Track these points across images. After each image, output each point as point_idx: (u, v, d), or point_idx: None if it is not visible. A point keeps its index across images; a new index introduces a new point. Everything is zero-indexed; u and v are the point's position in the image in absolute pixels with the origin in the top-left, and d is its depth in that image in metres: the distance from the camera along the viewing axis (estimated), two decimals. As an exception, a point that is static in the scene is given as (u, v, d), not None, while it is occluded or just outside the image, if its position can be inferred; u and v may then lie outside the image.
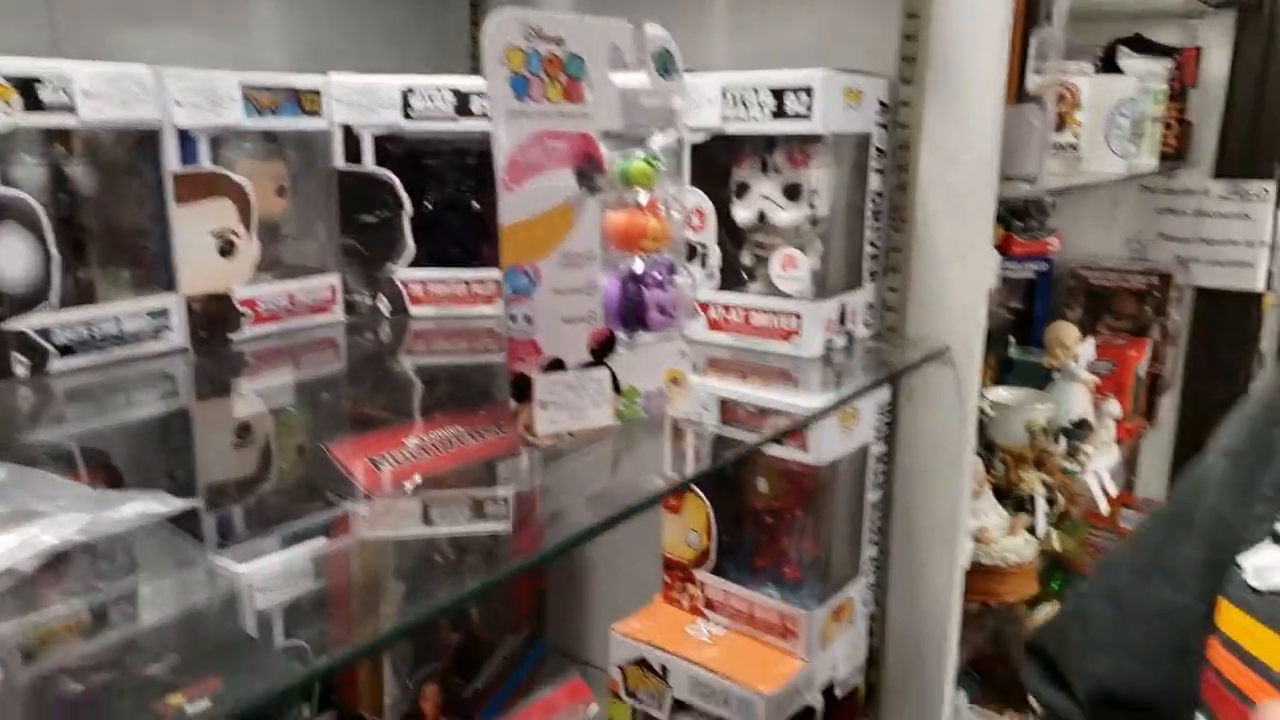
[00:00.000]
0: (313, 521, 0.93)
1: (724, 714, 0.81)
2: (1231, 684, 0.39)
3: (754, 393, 0.76)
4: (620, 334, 0.59)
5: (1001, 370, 1.71)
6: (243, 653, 0.82)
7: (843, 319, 0.81)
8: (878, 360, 0.83)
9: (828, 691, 0.87)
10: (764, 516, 0.87)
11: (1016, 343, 1.84)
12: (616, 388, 0.59)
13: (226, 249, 0.79)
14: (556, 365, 0.56)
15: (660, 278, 0.58)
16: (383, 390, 0.86)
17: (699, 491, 0.87)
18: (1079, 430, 1.48)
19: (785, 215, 0.78)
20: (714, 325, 0.84)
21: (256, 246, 0.81)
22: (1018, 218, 1.87)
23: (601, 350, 0.58)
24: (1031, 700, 0.55)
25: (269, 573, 0.89)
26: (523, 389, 0.55)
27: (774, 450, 0.80)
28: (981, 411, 1.34)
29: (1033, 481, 1.28)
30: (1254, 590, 0.40)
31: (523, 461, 0.59)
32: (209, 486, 0.70)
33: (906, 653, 0.93)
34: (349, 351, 0.91)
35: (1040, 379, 1.70)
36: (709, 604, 0.88)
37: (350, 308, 0.93)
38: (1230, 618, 0.40)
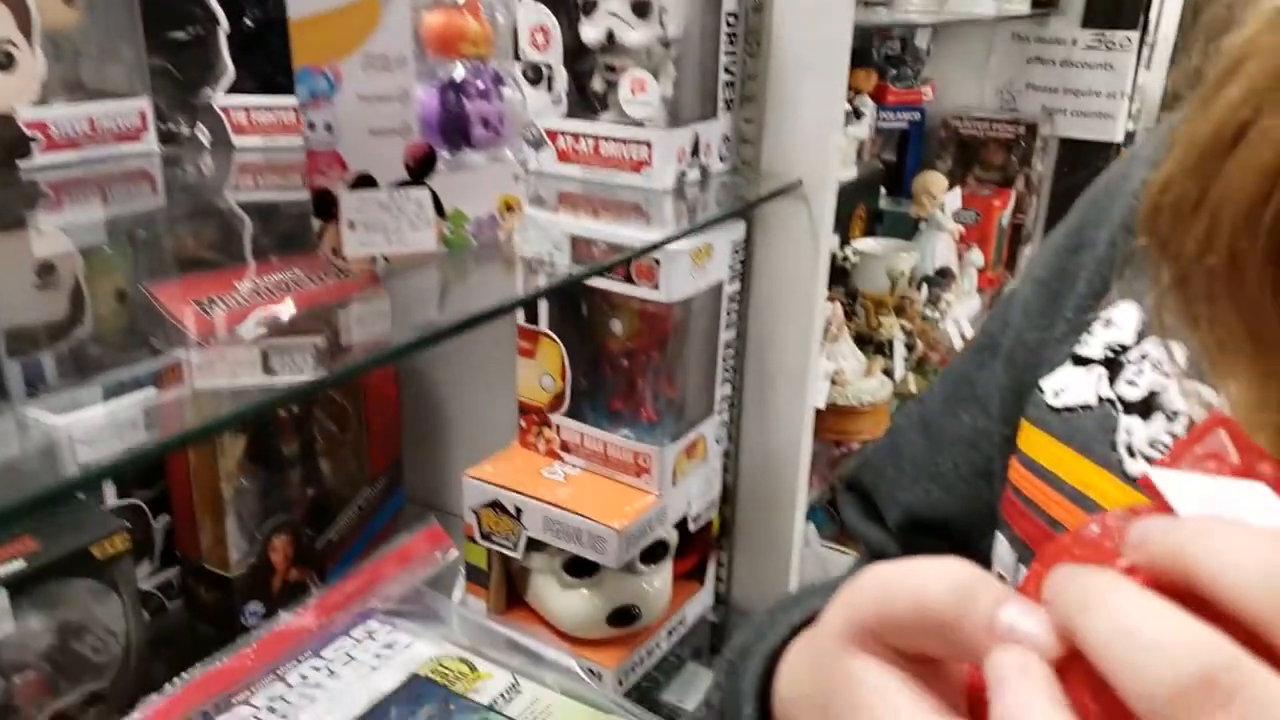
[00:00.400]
0: (139, 370, 0.87)
1: (578, 550, 0.81)
2: (1028, 499, 0.40)
3: (600, 226, 0.73)
4: (442, 151, 0.54)
5: (872, 221, 1.72)
6: (64, 510, 0.77)
7: (696, 150, 0.78)
8: (732, 195, 0.80)
9: (681, 526, 0.88)
10: (619, 359, 0.85)
11: (888, 194, 1.85)
12: (440, 211, 0.55)
13: (4, 62, 0.70)
14: (366, 182, 0.51)
15: (484, 88, 0.54)
16: (207, 228, 0.79)
17: (552, 334, 0.85)
18: (941, 279, 1.51)
19: (635, 35, 0.73)
20: (562, 156, 0.79)
21: (42, 62, 0.72)
22: (893, 66, 1.85)
23: (420, 168, 0.53)
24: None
25: (91, 425, 0.84)
26: (325, 206, 0.50)
27: (626, 289, 0.78)
28: (845, 259, 1.34)
29: (892, 327, 1.30)
30: (1051, 409, 0.40)
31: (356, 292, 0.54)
32: (10, 332, 0.64)
33: (759, 489, 0.95)
34: (167, 185, 0.83)
35: (909, 230, 1.72)
36: (565, 447, 0.87)
37: (167, 138, 0.85)
38: (1029, 437, 0.40)
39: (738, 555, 0.98)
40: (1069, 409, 0.39)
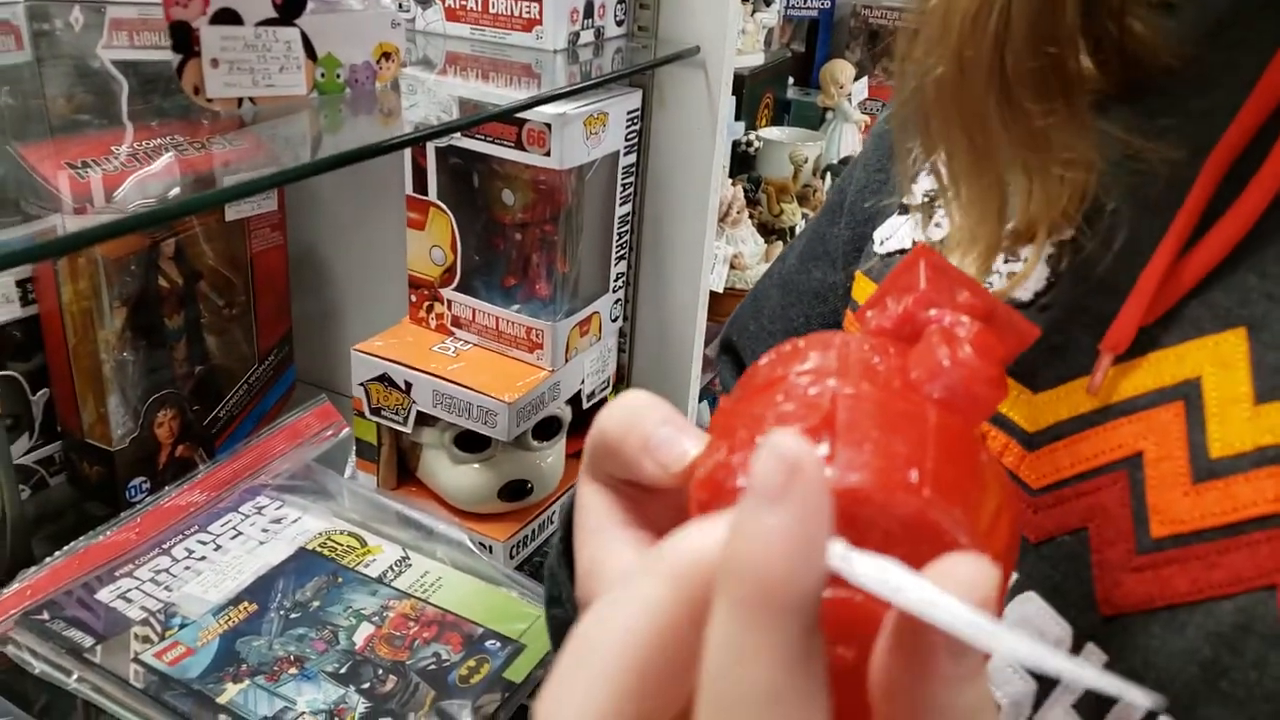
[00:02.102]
0: (11, 235, 0.82)
1: (468, 424, 0.81)
2: None
3: (489, 88, 0.71)
4: (311, -10, 0.51)
5: (779, 111, 1.71)
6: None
7: (590, 11, 0.76)
8: (627, 60, 0.78)
9: (575, 403, 0.89)
10: (512, 232, 0.83)
11: (796, 84, 1.84)
12: (312, 54, 0.52)
13: None
14: (229, 18, 0.48)
15: (355, -77, 0.51)
16: (78, 88, 0.74)
17: (442, 204, 0.82)
18: (845, 168, 1.52)
19: (525, -115, 0.70)
20: (451, 15, 0.76)
21: None
22: (806, -47, 1.82)
23: (288, 6, 0.50)
24: None
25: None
26: (184, 40, 0.47)
27: (517, 156, 0.76)
28: (750, 144, 1.34)
29: (794, 214, 1.31)
30: (879, 256, 0.41)
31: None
32: None
33: (654, 369, 0.96)
34: (33, 41, 0.77)
35: (816, 121, 1.72)
36: (456, 322, 0.86)
37: (22, -16, 0.78)
38: (861, 286, 0.42)
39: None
40: (890, 254, 0.41)
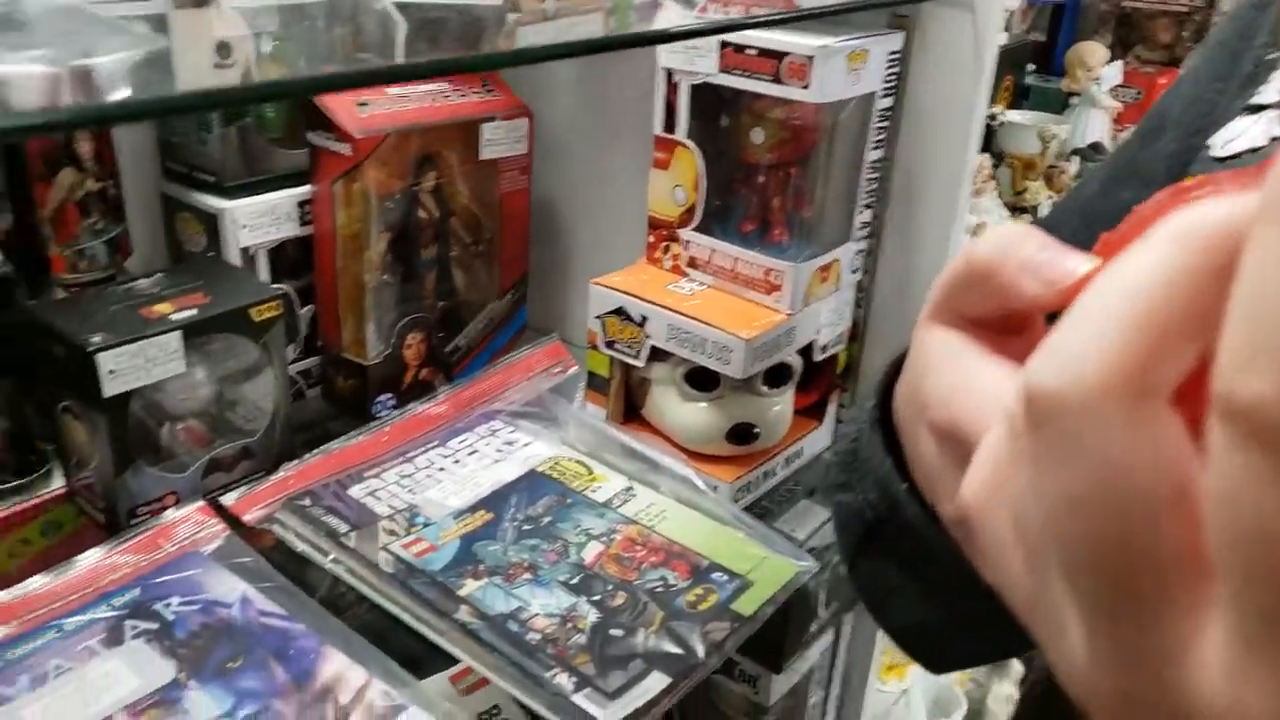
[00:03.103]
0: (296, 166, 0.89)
1: (701, 359, 0.81)
2: None
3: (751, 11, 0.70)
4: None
5: (1016, 98, 1.63)
6: (229, 278, 0.81)
7: (859, -55, 0.74)
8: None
9: (806, 355, 0.87)
10: (756, 175, 0.83)
11: (1036, 70, 1.75)
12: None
13: None
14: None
15: None
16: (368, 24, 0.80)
17: (689, 143, 0.83)
18: (1093, 153, 1.43)
19: None
20: (718, -50, 0.76)
21: None
22: (1055, -67, 1.73)
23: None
24: None
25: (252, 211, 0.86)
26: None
27: (774, 89, 0.75)
28: (991, 118, 1.28)
29: (1038, 193, 1.24)
30: (1216, 160, 0.38)
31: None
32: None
33: (889, 329, 0.93)
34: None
35: (1057, 108, 1.63)
36: (692, 263, 0.86)
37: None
38: None
39: (860, 398, 0.96)
40: (1234, 156, 0.38)
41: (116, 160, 0.79)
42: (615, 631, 0.64)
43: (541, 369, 0.94)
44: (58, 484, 0.79)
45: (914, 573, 0.40)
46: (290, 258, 0.90)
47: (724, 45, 0.76)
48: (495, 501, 0.77)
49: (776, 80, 0.75)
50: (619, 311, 0.84)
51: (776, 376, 0.86)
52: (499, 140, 0.94)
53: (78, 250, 0.77)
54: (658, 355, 0.84)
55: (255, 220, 0.86)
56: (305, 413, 0.93)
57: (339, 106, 0.84)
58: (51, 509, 0.78)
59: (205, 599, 0.65)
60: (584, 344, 0.90)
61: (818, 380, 0.92)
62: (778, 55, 0.74)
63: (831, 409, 0.95)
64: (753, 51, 0.75)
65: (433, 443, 0.85)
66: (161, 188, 0.88)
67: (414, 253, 0.92)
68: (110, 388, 0.68)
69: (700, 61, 0.78)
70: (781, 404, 0.87)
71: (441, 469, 0.81)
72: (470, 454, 0.84)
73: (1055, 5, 1.77)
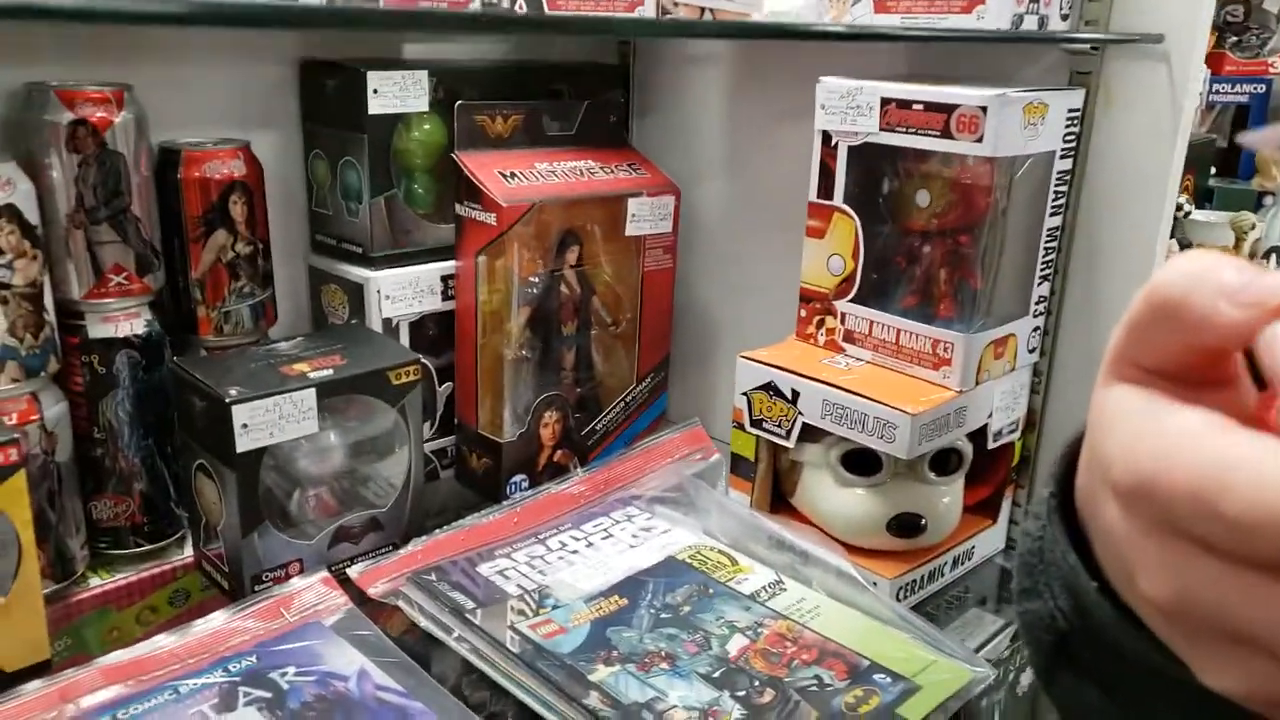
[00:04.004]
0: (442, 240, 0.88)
1: (860, 438, 0.73)
2: None
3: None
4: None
5: (1199, 200, 1.52)
6: (367, 343, 0.79)
7: (1036, -6, 0.69)
8: (1068, 57, 0.70)
9: (978, 441, 0.78)
10: (920, 244, 0.77)
11: (1217, 174, 1.64)
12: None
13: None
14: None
15: None
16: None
17: (847, 209, 0.78)
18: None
19: None
20: (879, 7, 0.73)
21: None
22: (1234, 33, 1.65)
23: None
24: None
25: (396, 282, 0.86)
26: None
27: (943, 145, 0.70)
28: (1178, 208, 1.18)
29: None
30: None
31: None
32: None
33: (1072, 420, 0.83)
34: None
35: (1250, 210, 1.51)
36: (849, 337, 0.80)
37: None
38: None
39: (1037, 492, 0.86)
40: None
41: (268, 227, 0.80)
42: (764, 732, 0.56)
43: (681, 455, 0.88)
44: (189, 553, 0.77)
45: (1115, 693, 0.32)
46: (430, 335, 0.88)
47: (886, 101, 0.72)
48: (631, 587, 0.71)
49: (945, 134, 0.69)
50: (768, 386, 0.78)
51: (945, 464, 0.77)
52: (644, 217, 0.91)
53: (224, 313, 0.77)
54: (809, 436, 0.77)
55: (399, 291, 0.85)
56: (438, 494, 0.90)
57: (487, 177, 0.83)
58: (180, 576, 0.77)
59: (322, 670, 0.60)
60: (725, 437, 0.84)
61: (990, 472, 0.82)
62: (947, 108, 0.69)
63: (1006, 506, 0.84)
64: (919, 106, 0.70)
65: (566, 525, 0.79)
66: (309, 260, 0.88)
67: (554, 330, 0.89)
68: (243, 443, 0.67)
69: (860, 120, 0.74)
70: (951, 495, 0.78)
71: (575, 551, 0.76)
72: (605, 538, 0.78)
73: (1238, 107, 1.67)
